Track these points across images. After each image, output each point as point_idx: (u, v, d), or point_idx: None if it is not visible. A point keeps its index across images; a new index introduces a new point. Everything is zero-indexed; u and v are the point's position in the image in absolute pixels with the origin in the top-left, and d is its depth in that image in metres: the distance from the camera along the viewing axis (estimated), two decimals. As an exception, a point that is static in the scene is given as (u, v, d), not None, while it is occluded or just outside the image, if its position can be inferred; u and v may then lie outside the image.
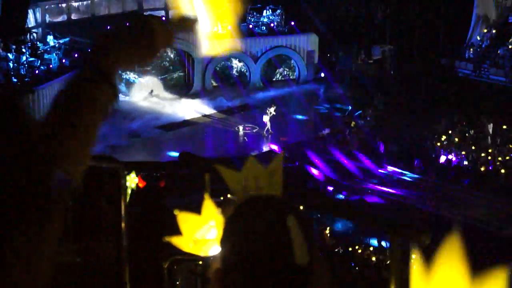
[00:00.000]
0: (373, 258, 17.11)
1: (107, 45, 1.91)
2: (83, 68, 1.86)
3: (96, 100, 1.80)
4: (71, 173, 1.65)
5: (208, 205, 3.94)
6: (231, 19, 2.68)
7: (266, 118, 30.28)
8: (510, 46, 32.56)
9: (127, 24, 2.01)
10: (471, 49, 33.99)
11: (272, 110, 30.22)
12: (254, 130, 30.89)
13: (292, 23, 36.15)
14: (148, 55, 1.99)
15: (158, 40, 2.00)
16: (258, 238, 1.89)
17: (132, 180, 10.83)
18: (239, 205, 2.09)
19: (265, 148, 29.32)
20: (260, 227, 1.91)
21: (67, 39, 31.66)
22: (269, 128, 30.20)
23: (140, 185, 12.47)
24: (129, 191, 10.12)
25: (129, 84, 33.89)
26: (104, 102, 1.83)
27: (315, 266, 1.86)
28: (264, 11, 36.73)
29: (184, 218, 4.17)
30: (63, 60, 30.21)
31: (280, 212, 1.95)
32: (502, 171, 26.15)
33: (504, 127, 28.18)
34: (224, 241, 1.99)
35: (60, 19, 34.31)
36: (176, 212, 4.16)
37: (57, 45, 31.03)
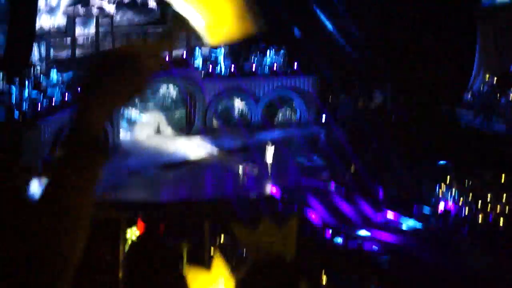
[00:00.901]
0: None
1: (88, 98, 1.79)
2: (68, 135, 1.77)
3: (84, 169, 1.71)
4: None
5: (218, 262, 3.92)
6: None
7: (268, 157, 30.43)
8: (511, 95, 32.67)
9: (103, 63, 1.90)
10: (472, 96, 34.09)
11: (270, 146, 30.52)
12: (255, 171, 30.85)
13: (295, 64, 36.30)
14: (137, 87, 1.88)
15: (143, 70, 1.89)
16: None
17: (133, 233, 10.79)
18: (253, 266, 2.07)
19: (267, 189, 29.15)
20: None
21: (71, 74, 31.78)
22: (270, 164, 30.39)
23: (139, 230, 12.38)
24: (129, 242, 10.07)
25: (130, 122, 33.95)
26: (93, 169, 1.73)
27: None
28: (268, 52, 36.90)
29: (193, 276, 4.15)
30: (66, 95, 30.29)
31: (293, 276, 1.94)
32: (501, 221, 26.05)
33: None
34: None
35: (64, 54, 34.48)
36: (185, 271, 4.15)
37: (60, 80, 31.13)
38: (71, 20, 34.64)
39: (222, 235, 15.13)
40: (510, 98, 32.65)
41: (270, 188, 29.13)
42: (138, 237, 10.97)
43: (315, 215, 27.04)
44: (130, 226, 10.52)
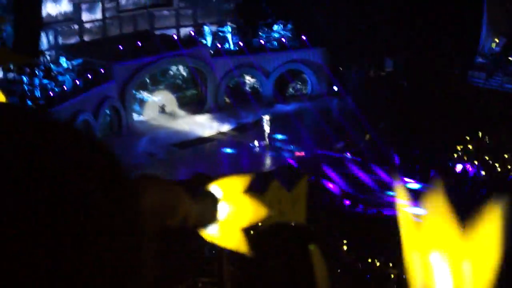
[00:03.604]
0: (392, 274, 17.05)
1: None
2: None
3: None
4: None
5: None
6: None
7: (266, 128, 30.96)
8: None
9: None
10: (483, 58, 33.89)
11: (267, 117, 31.02)
12: (269, 145, 31.08)
13: (303, 37, 36.16)
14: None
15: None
16: (281, 265, 1.89)
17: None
18: (262, 233, 2.08)
19: (282, 162, 29.27)
20: (283, 255, 1.91)
21: (80, 60, 31.80)
22: (269, 134, 30.85)
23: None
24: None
25: (143, 103, 34.00)
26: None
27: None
28: (275, 26, 36.78)
29: (252, 202, 3.97)
30: (77, 81, 30.35)
31: (303, 240, 1.94)
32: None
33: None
34: (246, 269, 1.99)
35: (72, 40, 34.51)
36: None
37: (70, 67, 31.17)
38: (77, 7, 34.64)
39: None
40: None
41: (285, 161, 29.20)
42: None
43: (333, 185, 27.08)
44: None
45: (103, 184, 1.07)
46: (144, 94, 34.02)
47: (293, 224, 2.15)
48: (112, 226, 1.06)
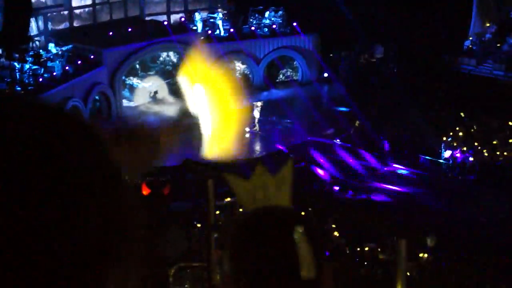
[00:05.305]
0: (381, 257, 17.16)
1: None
2: None
3: None
4: None
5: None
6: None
7: (256, 114, 31.02)
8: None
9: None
10: (473, 44, 33.97)
11: (259, 104, 31.05)
12: (259, 132, 31.11)
13: (294, 24, 36.15)
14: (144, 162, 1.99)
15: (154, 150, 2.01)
16: (266, 250, 1.92)
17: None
18: (247, 217, 2.11)
19: (272, 148, 29.37)
20: (268, 240, 1.94)
21: (70, 46, 31.65)
22: (257, 123, 30.95)
23: (145, 192, 12.48)
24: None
25: (133, 89, 33.93)
26: None
27: (323, 279, 1.90)
28: (266, 13, 36.74)
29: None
30: (67, 67, 30.24)
31: (288, 224, 1.97)
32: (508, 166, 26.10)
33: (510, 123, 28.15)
34: (232, 253, 2.02)
35: (62, 26, 34.37)
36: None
37: (60, 53, 31.01)
38: (67, -8, 34.48)
39: (228, 196, 15.24)
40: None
41: (276, 146, 29.27)
42: (144, 197, 11.05)
43: (322, 171, 27.16)
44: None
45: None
46: (134, 80, 33.96)
47: (279, 208, 2.18)
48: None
